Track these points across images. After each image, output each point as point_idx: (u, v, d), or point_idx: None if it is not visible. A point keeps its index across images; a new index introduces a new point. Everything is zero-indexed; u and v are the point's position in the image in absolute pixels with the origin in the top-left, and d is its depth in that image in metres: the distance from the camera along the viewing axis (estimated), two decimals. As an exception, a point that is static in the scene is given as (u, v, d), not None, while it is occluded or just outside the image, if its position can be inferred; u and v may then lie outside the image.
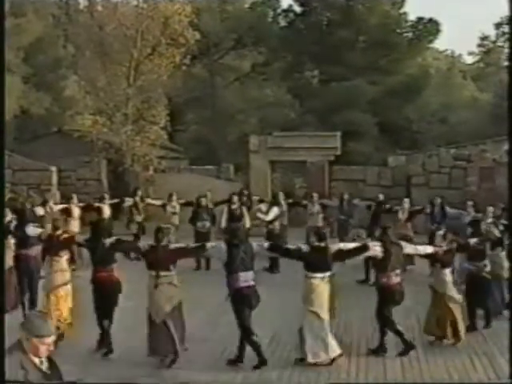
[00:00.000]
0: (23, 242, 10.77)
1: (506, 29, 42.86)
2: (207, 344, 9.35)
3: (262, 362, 8.41)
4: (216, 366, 8.55)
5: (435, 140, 32.89)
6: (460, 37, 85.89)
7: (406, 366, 8.61)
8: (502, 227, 11.40)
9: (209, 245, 9.12)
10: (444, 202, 16.21)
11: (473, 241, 10.30)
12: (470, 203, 15.49)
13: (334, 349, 8.58)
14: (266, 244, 9.05)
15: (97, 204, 16.67)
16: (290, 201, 17.35)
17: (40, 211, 15.16)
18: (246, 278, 8.38)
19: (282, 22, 38.45)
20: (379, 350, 8.99)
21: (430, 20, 37.11)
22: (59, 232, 9.90)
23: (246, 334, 8.44)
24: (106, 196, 17.30)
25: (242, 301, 8.37)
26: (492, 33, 48.31)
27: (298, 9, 37.16)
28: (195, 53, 28.01)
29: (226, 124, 36.70)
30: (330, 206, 17.82)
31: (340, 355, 8.60)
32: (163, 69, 23.48)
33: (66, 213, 15.70)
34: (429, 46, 40.83)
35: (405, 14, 37.26)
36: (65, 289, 9.71)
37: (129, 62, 23.21)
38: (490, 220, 12.49)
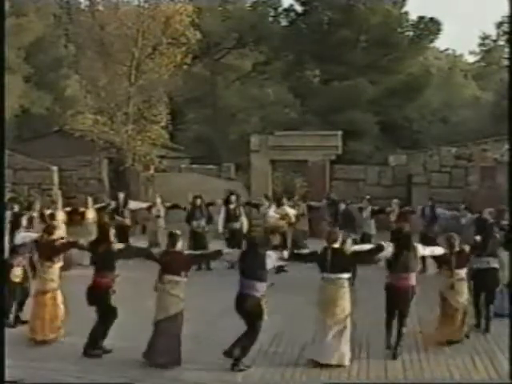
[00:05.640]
0: (14, 248, 10.61)
1: (506, 28, 42.79)
2: (208, 344, 9.35)
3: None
4: (217, 365, 8.52)
5: (436, 139, 32.84)
6: (461, 36, 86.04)
7: (407, 365, 8.61)
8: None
9: (225, 250, 9.26)
10: (435, 203, 16.33)
11: (477, 238, 10.44)
12: (462, 206, 15.63)
13: (347, 355, 8.59)
14: (286, 253, 9.03)
15: (81, 209, 16.50)
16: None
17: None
18: (247, 285, 8.40)
19: (283, 22, 38.52)
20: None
21: (431, 19, 37.17)
22: (54, 237, 9.89)
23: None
24: (90, 199, 17.03)
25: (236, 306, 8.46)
26: (493, 32, 48.29)
27: (299, 8, 37.26)
28: (196, 52, 27.98)
29: (226, 123, 36.67)
30: (318, 207, 17.82)
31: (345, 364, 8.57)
32: (164, 68, 23.44)
33: (51, 218, 15.42)
34: (430, 45, 40.89)
35: (406, 13, 37.34)
36: (53, 294, 9.68)
37: (130, 61, 23.18)
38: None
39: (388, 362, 8.68)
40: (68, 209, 16.45)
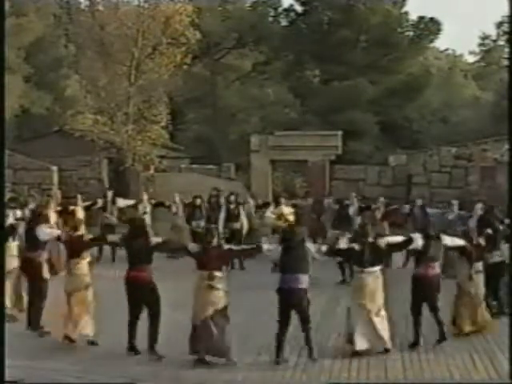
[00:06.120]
0: (34, 244, 10.41)
1: (506, 28, 42.79)
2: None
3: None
4: (217, 365, 8.51)
5: (436, 139, 32.85)
6: (461, 36, 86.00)
7: (407, 365, 8.61)
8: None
9: (265, 247, 9.23)
10: (425, 203, 16.57)
11: (488, 231, 10.78)
12: (454, 202, 16.02)
13: (386, 340, 8.90)
14: (324, 248, 9.20)
15: (71, 207, 16.14)
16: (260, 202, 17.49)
17: (18, 214, 14.63)
18: (290, 279, 8.47)
19: (283, 22, 38.54)
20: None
21: (431, 19, 37.21)
22: (80, 233, 9.84)
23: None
24: (79, 198, 16.83)
25: (282, 301, 8.56)
26: (493, 32, 48.29)
27: (299, 8, 37.28)
28: (196, 52, 27.99)
29: (226, 123, 36.69)
30: (303, 206, 17.90)
31: (388, 350, 8.90)
32: (164, 68, 23.46)
33: (44, 220, 15.14)
34: (430, 45, 40.94)
35: (406, 13, 37.38)
36: (83, 294, 9.43)
37: (130, 61, 23.20)
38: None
39: (388, 361, 8.68)
40: (58, 208, 16.09)
